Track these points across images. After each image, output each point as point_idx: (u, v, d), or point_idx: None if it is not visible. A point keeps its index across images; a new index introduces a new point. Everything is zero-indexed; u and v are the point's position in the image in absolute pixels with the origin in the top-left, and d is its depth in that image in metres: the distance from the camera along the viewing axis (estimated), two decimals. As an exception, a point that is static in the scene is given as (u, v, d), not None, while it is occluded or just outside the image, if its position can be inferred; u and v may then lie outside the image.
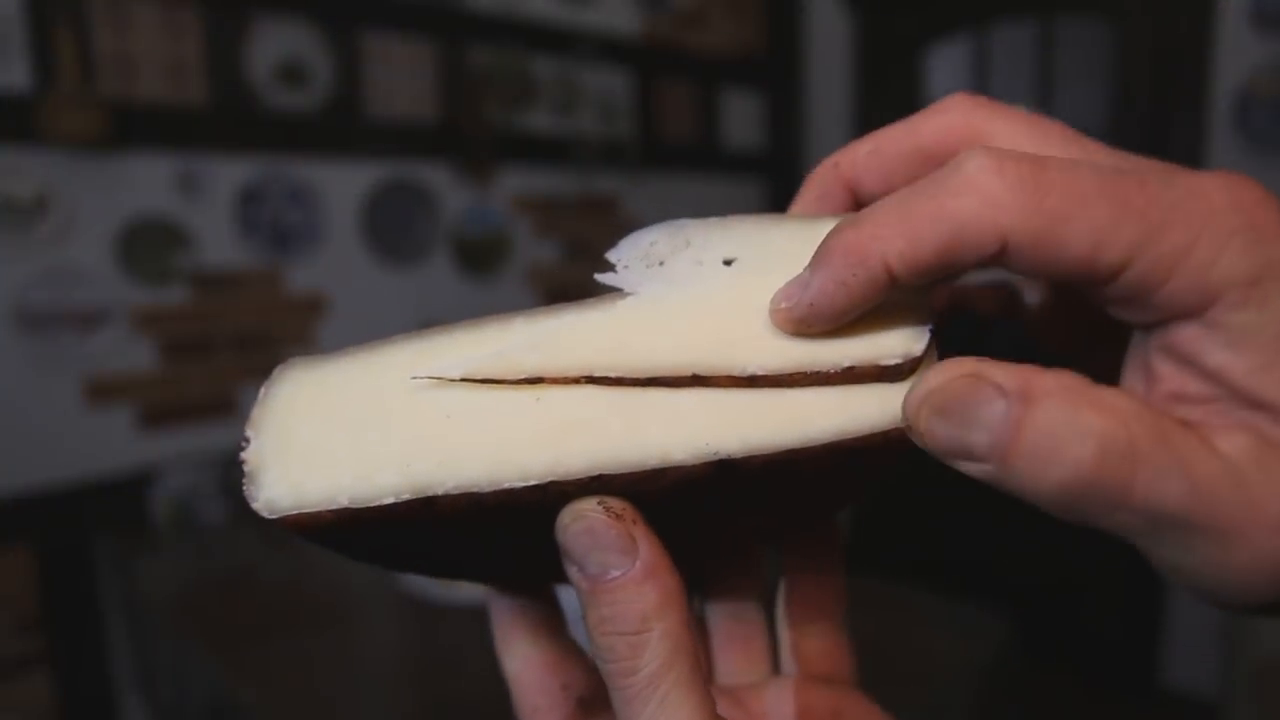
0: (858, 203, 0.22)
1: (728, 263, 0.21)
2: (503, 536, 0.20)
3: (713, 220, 0.22)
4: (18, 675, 1.55)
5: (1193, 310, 0.16)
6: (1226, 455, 0.15)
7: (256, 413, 0.20)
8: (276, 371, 0.20)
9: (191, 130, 1.65)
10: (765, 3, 2.77)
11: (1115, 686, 2.25)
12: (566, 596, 0.25)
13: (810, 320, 0.19)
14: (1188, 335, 0.16)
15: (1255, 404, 0.16)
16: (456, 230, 2.06)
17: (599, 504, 0.18)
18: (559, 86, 2.20)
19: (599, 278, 0.22)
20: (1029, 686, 2.23)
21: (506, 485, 0.18)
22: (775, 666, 0.27)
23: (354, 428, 0.19)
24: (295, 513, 0.18)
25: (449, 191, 2.04)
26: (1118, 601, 2.24)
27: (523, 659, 0.23)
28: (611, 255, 0.22)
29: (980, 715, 1.08)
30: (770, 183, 2.86)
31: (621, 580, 0.18)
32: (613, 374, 0.19)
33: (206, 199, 1.68)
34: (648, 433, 0.18)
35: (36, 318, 1.50)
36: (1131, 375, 0.18)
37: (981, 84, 2.45)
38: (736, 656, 0.26)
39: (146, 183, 1.61)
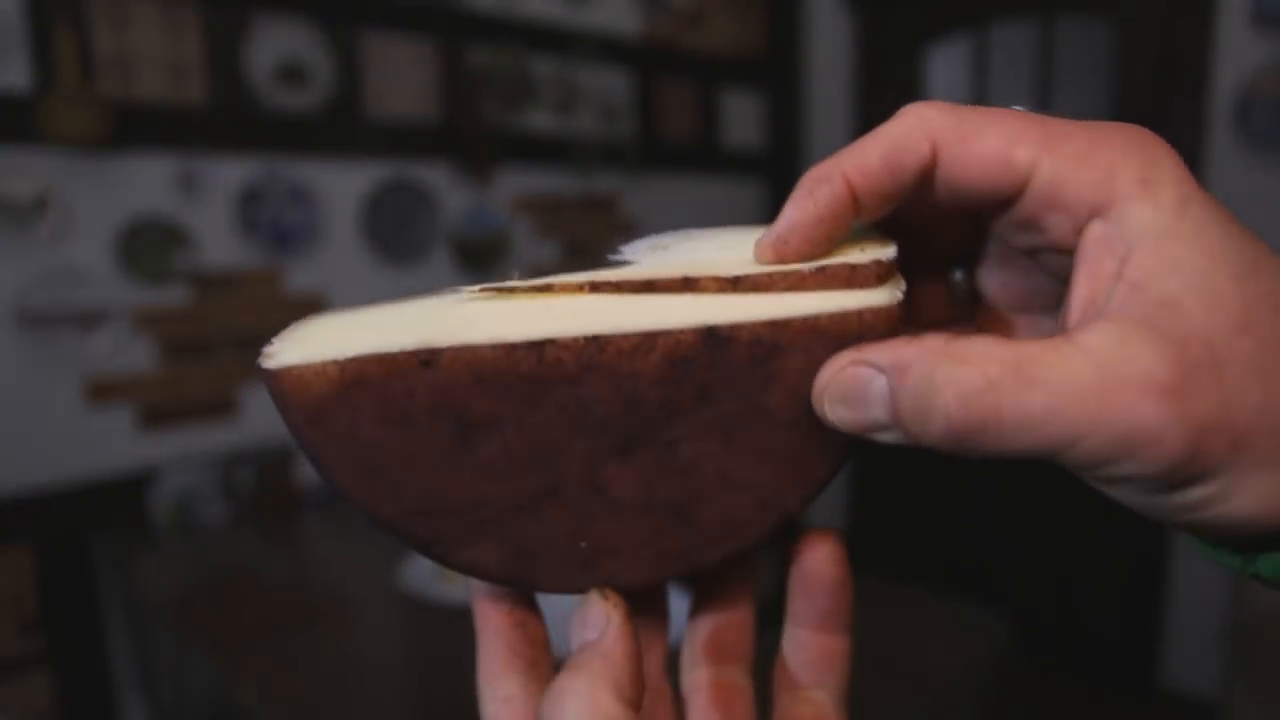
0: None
1: (723, 247, 0.23)
2: (495, 446, 0.20)
3: (713, 229, 0.25)
4: (18, 675, 1.55)
5: (1099, 206, 0.19)
6: (1088, 348, 0.17)
7: (283, 333, 0.21)
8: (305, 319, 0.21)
9: (191, 130, 1.65)
10: (765, 3, 2.77)
11: (1115, 686, 2.25)
12: (548, 603, 0.25)
13: (786, 237, 0.21)
14: (1095, 235, 0.19)
15: (1140, 287, 0.18)
16: (456, 230, 2.06)
17: (597, 590, 0.21)
18: (559, 86, 2.20)
19: (611, 258, 0.24)
20: (1029, 686, 2.23)
21: (505, 340, 0.19)
22: None
23: (373, 324, 0.20)
24: (301, 364, 0.19)
25: (449, 191, 2.04)
26: (1118, 601, 2.24)
27: (505, 699, 0.22)
28: (625, 250, 0.24)
29: (980, 715, 1.08)
30: (770, 183, 2.86)
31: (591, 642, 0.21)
32: (613, 280, 0.21)
33: (206, 199, 1.68)
34: (641, 315, 0.20)
35: (36, 318, 1.50)
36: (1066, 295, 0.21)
37: (981, 84, 2.45)
38: None
39: (146, 183, 1.61)
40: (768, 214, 2.86)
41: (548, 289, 0.20)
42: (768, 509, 0.22)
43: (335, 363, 0.19)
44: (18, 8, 1.44)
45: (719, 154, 2.68)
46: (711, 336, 0.20)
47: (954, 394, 0.17)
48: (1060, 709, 2.20)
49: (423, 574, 1.28)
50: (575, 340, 0.19)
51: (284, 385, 0.19)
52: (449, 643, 1.13)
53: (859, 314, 0.20)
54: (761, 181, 2.85)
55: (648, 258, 0.23)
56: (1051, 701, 2.21)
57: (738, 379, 0.20)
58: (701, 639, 0.26)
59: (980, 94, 2.44)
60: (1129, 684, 2.22)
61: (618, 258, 0.23)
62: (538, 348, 0.19)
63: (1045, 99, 2.33)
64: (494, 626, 0.23)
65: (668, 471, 0.20)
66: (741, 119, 2.75)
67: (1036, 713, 2.13)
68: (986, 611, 1.22)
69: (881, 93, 2.63)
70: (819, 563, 0.24)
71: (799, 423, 0.21)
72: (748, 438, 0.21)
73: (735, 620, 0.26)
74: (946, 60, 2.52)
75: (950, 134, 0.20)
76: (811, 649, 0.24)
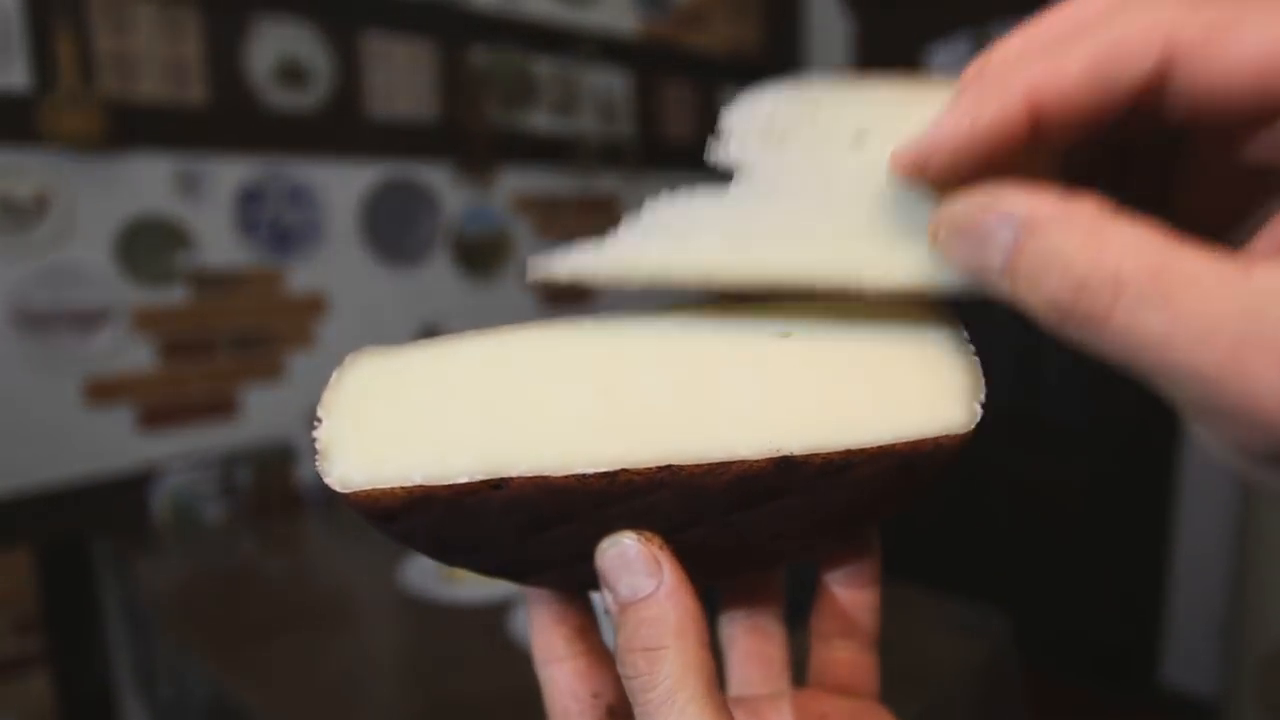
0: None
1: (858, 139, 0.20)
2: (564, 531, 0.21)
3: (843, 82, 0.20)
4: (18, 675, 1.55)
5: None
6: (1254, 287, 0.14)
7: (328, 396, 0.20)
8: (348, 359, 0.21)
9: (191, 130, 1.65)
10: (765, 3, 2.77)
11: (1115, 686, 2.25)
12: (599, 598, 0.26)
13: (927, 157, 0.17)
14: None
15: None
16: (456, 230, 2.06)
17: (634, 532, 0.20)
18: (559, 86, 2.20)
19: (711, 158, 0.21)
20: (1029, 686, 2.23)
21: (578, 471, 0.19)
22: (803, 678, 0.27)
23: (428, 410, 0.20)
24: (370, 488, 0.19)
25: (449, 191, 2.04)
26: (1117, 601, 2.24)
27: (558, 663, 0.24)
28: (727, 119, 0.21)
29: (980, 715, 1.08)
30: (770, 183, 2.86)
31: (646, 600, 0.19)
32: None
33: (206, 199, 1.68)
34: (714, 428, 0.19)
35: (36, 318, 1.50)
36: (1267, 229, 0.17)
37: (981, 84, 2.45)
38: (754, 668, 0.26)
39: (146, 183, 1.61)
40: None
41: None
42: (817, 554, 0.24)
43: (403, 487, 0.19)
44: (18, 8, 1.44)
45: (719, 154, 2.68)
46: (785, 462, 0.19)
47: (1073, 276, 0.15)
48: (1060, 709, 2.20)
49: (423, 574, 1.28)
50: (648, 470, 0.19)
51: (352, 501, 0.19)
52: (449, 642, 1.13)
53: (935, 441, 0.19)
54: (761, 181, 2.85)
55: (759, 159, 0.21)
56: (1051, 701, 2.21)
57: (807, 487, 0.20)
58: (734, 591, 0.27)
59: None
60: (1129, 684, 2.22)
61: (720, 153, 0.21)
62: (609, 477, 0.19)
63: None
64: (541, 596, 0.24)
65: (726, 534, 0.21)
66: (741, 119, 2.74)
67: (1036, 713, 2.12)
68: (986, 611, 1.21)
69: (881, 93, 2.63)
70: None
71: (861, 503, 0.21)
72: (809, 521, 0.21)
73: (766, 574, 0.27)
74: (946, 60, 2.52)
75: (1192, 38, 0.15)
76: (842, 602, 0.26)
